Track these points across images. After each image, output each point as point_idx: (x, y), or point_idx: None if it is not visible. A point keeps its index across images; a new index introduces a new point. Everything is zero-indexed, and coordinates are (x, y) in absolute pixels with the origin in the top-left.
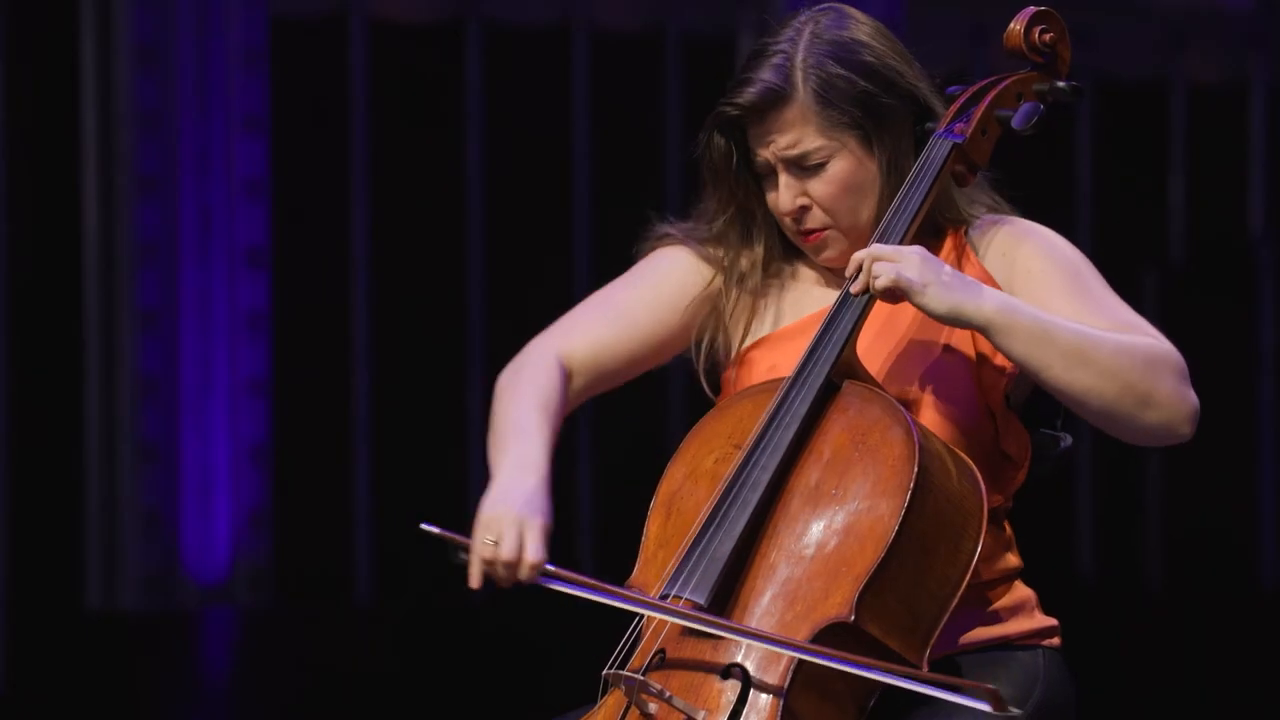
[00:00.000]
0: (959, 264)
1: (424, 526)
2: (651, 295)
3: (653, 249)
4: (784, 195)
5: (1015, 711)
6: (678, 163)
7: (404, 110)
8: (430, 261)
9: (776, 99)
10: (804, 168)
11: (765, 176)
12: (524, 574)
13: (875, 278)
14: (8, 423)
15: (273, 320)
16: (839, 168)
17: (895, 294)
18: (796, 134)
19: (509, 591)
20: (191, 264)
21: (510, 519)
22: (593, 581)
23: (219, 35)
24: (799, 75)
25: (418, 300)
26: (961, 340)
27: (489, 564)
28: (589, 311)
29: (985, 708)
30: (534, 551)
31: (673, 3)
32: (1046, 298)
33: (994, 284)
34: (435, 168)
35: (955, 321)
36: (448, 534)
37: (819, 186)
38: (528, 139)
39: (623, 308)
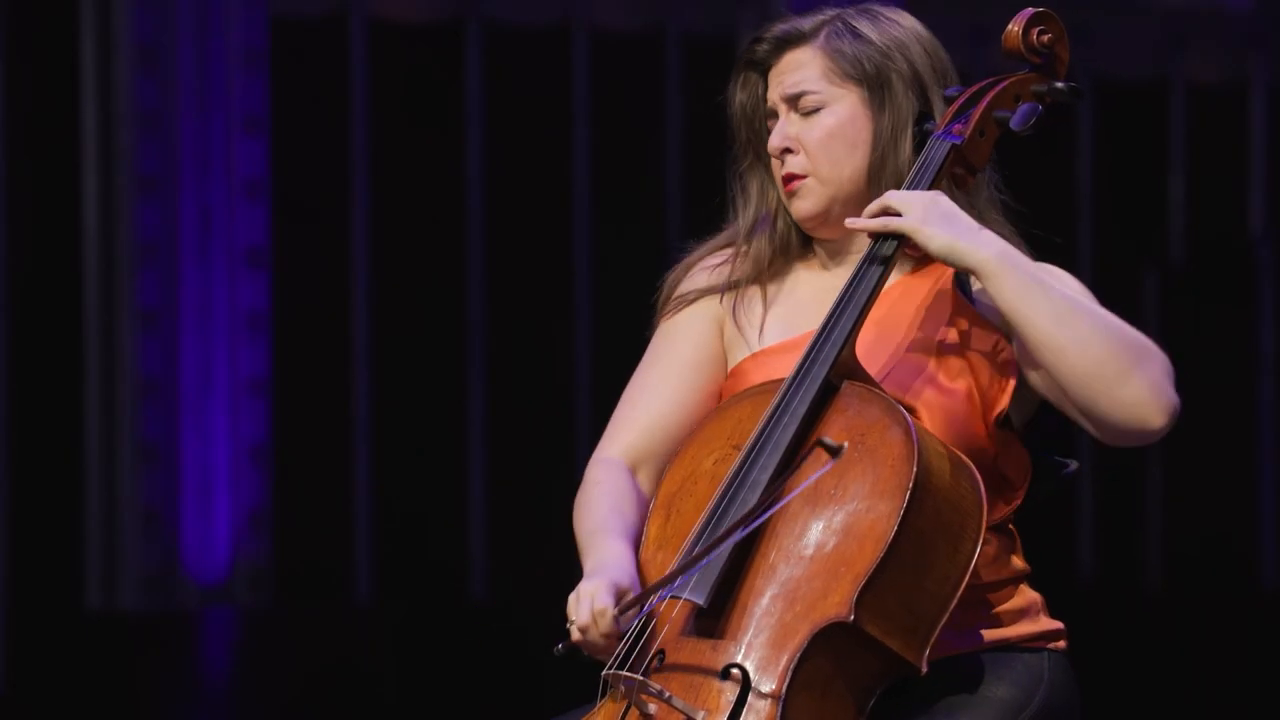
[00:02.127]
0: (954, 281)
1: (556, 650)
2: (678, 364)
3: (664, 302)
4: (776, 133)
5: (842, 444)
6: (678, 163)
7: (404, 110)
8: (430, 261)
9: (794, 38)
10: (801, 111)
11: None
12: (604, 627)
13: (878, 214)
14: (8, 423)
15: (273, 320)
16: (833, 117)
17: (894, 231)
18: (801, 74)
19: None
20: (191, 264)
21: (577, 596)
22: (646, 593)
23: (219, 35)
24: (822, 24)
25: (418, 300)
26: (959, 361)
27: (584, 644)
28: (627, 408)
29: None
30: (599, 601)
31: (673, 3)
32: None
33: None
34: (435, 168)
35: (949, 261)
36: (566, 644)
37: (809, 130)
38: (528, 139)
39: (656, 388)
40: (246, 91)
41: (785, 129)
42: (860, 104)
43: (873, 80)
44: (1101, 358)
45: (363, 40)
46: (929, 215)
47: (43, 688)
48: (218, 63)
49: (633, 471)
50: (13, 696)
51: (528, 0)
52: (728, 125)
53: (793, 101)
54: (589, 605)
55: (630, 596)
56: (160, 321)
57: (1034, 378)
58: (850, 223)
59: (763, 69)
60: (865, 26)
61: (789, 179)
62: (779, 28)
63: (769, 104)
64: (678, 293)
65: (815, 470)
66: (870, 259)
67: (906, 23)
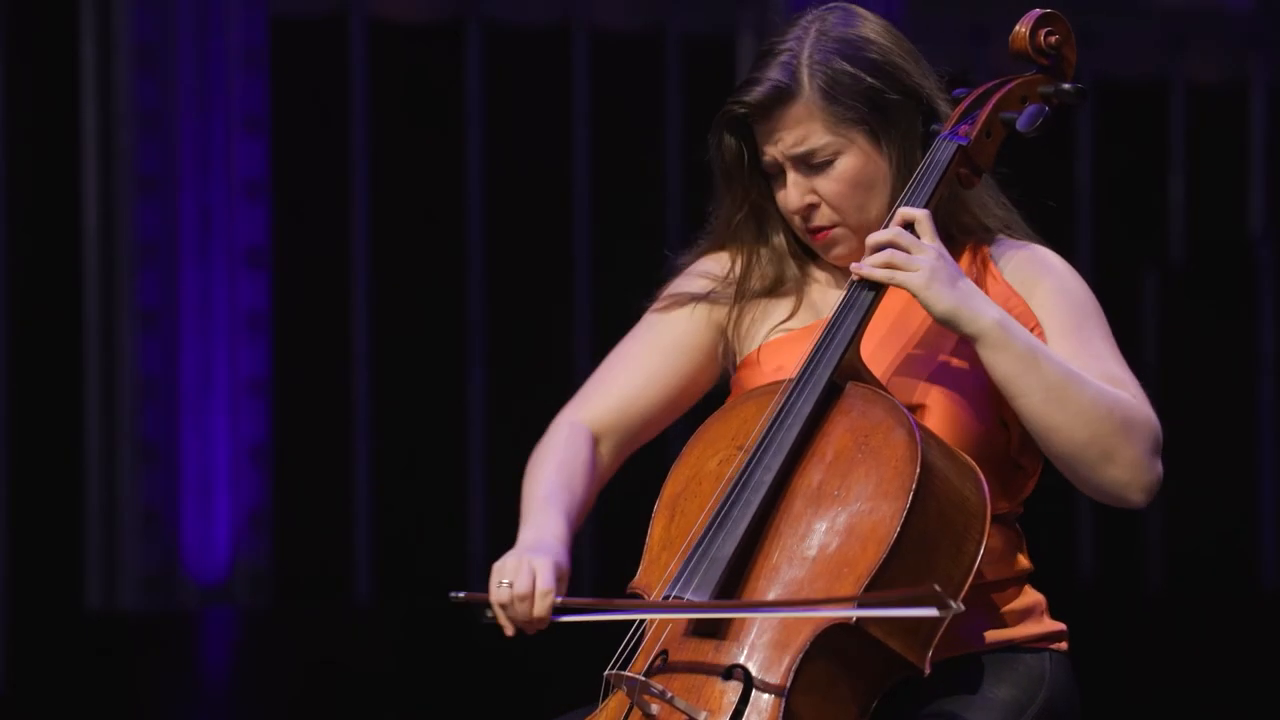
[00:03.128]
0: (981, 276)
1: (452, 596)
2: (666, 342)
3: (666, 288)
4: (792, 193)
5: (958, 607)
6: (678, 163)
7: (404, 110)
8: (430, 261)
9: (783, 96)
10: (811, 165)
11: (774, 175)
12: (538, 607)
13: (887, 264)
14: (8, 423)
15: (273, 320)
16: (846, 164)
17: (902, 286)
18: (803, 131)
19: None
20: (191, 264)
21: (520, 561)
22: (606, 602)
23: (219, 35)
24: (805, 72)
25: (418, 300)
26: (971, 353)
27: (505, 606)
28: (605, 374)
29: (932, 612)
30: (544, 581)
31: (673, 3)
32: (1046, 333)
33: (1018, 298)
34: (435, 168)
35: (950, 324)
36: (472, 596)
37: (826, 184)
38: (528, 139)
39: (639, 362)
40: (246, 91)
41: (800, 186)
42: (867, 142)
43: (873, 117)
44: (1089, 439)
45: (363, 40)
46: (935, 276)
47: (43, 688)
48: (218, 63)
49: (596, 440)
50: (13, 696)
51: (528, 0)
52: (712, 177)
53: (800, 160)
54: (531, 578)
55: (576, 599)
56: (160, 321)
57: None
58: (855, 268)
59: (749, 122)
60: (843, 59)
61: (818, 230)
62: (758, 90)
63: (766, 156)
64: (682, 288)
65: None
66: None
67: (870, 29)
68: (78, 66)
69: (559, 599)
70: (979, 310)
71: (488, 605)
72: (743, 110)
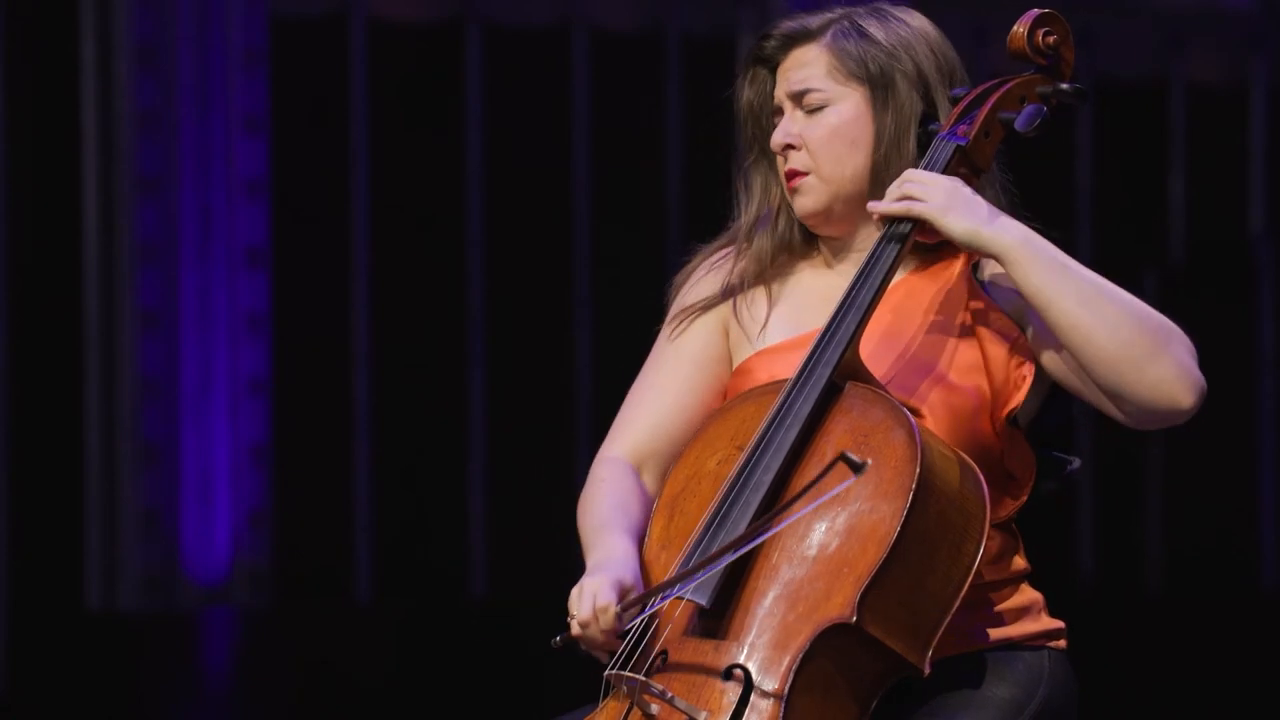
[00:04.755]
0: (970, 281)
1: (553, 644)
2: (684, 364)
3: (670, 306)
4: (779, 130)
5: (865, 461)
6: (678, 163)
7: (404, 110)
8: (430, 261)
9: (802, 35)
10: (805, 106)
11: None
12: (602, 624)
13: (902, 197)
14: (8, 423)
15: (273, 320)
16: (836, 115)
17: (916, 217)
18: (806, 72)
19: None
20: (191, 264)
21: (579, 590)
22: (655, 589)
23: (219, 35)
24: (830, 23)
25: (418, 300)
26: (971, 357)
27: (583, 639)
28: (631, 409)
29: (849, 478)
30: (601, 599)
31: (673, 3)
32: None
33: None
34: (435, 168)
35: (971, 246)
36: (565, 637)
37: (813, 128)
38: (528, 139)
39: (661, 388)
40: (246, 91)
41: (789, 126)
42: (864, 103)
43: (877, 80)
44: (1130, 338)
45: (363, 40)
46: (951, 201)
47: (43, 688)
48: (218, 63)
49: (637, 471)
50: (13, 696)
51: (528, 0)
52: (735, 121)
53: (797, 99)
54: (591, 601)
55: (634, 595)
56: (160, 321)
57: (1054, 365)
58: (872, 206)
59: (771, 66)
60: (873, 26)
61: (791, 175)
62: (787, 25)
63: (775, 101)
64: (685, 302)
65: (837, 484)
66: (879, 252)
67: (915, 23)
68: (78, 66)
69: (618, 608)
70: (1001, 228)
71: (573, 641)
72: (768, 42)
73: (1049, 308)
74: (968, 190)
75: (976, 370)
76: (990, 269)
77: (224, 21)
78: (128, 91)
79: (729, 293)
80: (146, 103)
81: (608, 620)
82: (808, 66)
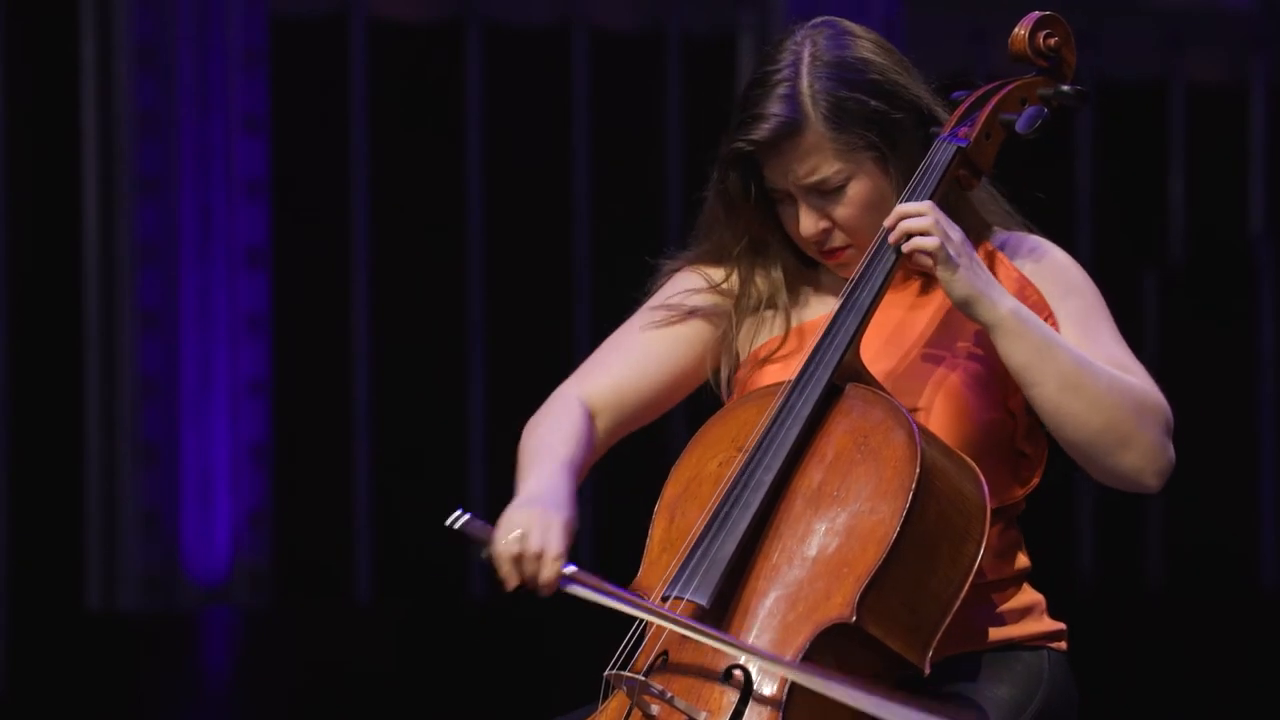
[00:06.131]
0: (993, 269)
1: (451, 522)
2: (669, 330)
3: (665, 281)
4: (806, 221)
5: None
6: (678, 163)
7: (404, 110)
8: (430, 261)
9: (790, 130)
10: (823, 193)
11: (780, 202)
12: (547, 569)
13: (921, 233)
14: (8, 423)
15: (273, 320)
16: (858, 189)
17: (926, 257)
18: (814, 161)
19: (524, 594)
20: (191, 264)
21: (535, 514)
22: (612, 589)
23: (219, 35)
24: (809, 103)
25: (417, 300)
26: (984, 342)
27: (515, 560)
28: (607, 352)
29: None
30: (556, 543)
31: (673, 3)
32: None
33: (1032, 287)
34: (435, 168)
35: (966, 309)
36: (474, 529)
37: (840, 209)
38: (528, 139)
39: (641, 346)
40: (246, 91)
41: (814, 213)
42: (875, 164)
43: (880, 138)
44: (1105, 425)
45: (362, 40)
46: (959, 257)
47: (43, 688)
48: (218, 63)
49: (592, 415)
50: (13, 696)
51: (528, 0)
52: (721, 207)
53: (813, 189)
54: (542, 537)
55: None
56: (160, 321)
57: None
58: (893, 238)
59: (755, 157)
60: (844, 86)
61: (832, 253)
62: (765, 128)
63: (775, 185)
64: (686, 302)
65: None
66: (878, 254)
67: (863, 46)
68: (78, 66)
69: (570, 569)
70: (996, 299)
71: (486, 545)
72: (752, 149)
73: (1030, 388)
74: (970, 246)
75: (981, 358)
76: (1000, 249)
77: (224, 21)
78: (128, 91)
79: (727, 306)
80: (146, 103)
81: (553, 570)
82: (812, 157)
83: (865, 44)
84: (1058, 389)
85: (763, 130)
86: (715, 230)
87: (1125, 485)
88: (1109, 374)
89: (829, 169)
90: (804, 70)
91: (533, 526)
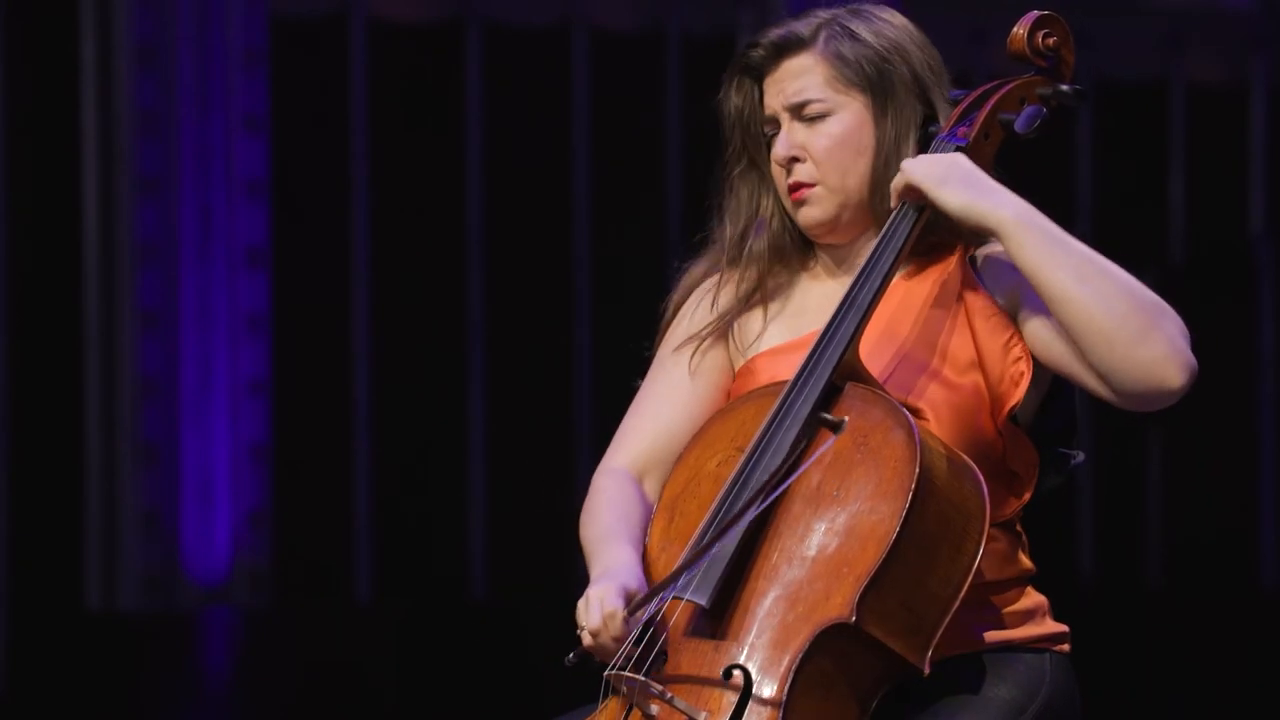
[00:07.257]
0: (968, 278)
1: (566, 662)
2: (684, 377)
3: (673, 317)
4: (781, 142)
5: (843, 419)
6: (678, 163)
7: (404, 110)
8: (430, 262)
9: (793, 44)
10: (805, 117)
11: (773, 136)
12: (615, 630)
13: (905, 181)
14: (8, 423)
15: (273, 320)
16: (839, 123)
17: (914, 191)
18: (804, 81)
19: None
20: (191, 264)
21: (585, 601)
22: (661, 588)
23: (219, 35)
24: (820, 28)
25: (418, 300)
26: (968, 354)
27: (595, 648)
28: (632, 419)
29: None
30: (608, 605)
31: (673, 3)
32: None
33: (994, 308)
34: (435, 168)
35: (968, 219)
36: (578, 652)
37: (816, 138)
38: (528, 139)
39: (664, 396)
40: (246, 91)
41: (791, 137)
42: (865, 110)
43: (876, 86)
44: (1123, 314)
45: (362, 40)
46: (949, 174)
47: (43, 688)
48: (218, 63)
49: (639, 480)
50: (13, 696)
51: (528, 0)
52: (721, 130)
53: (796, 110)
54: (599, 609)
55: (639, 597)
56: (160, 321)
57: (1047, 348)
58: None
59: (758, 74)
60: (862, 29)
61: (796, 187)
62: (775, 33)
63: (767, 111)
64: (685, 332)
65: (820, 446)
66: (878, 253)
67: (898, 22)
68: (78, 66)
69: (624, 613)
70: (996, 202)
71: (589, 653)
72: (756, 51)
73: (1044, 282)
74: (968, 164)
75: (973, 367)
76: (984, 256)
77: (224, 21)
78: (128, 91)
79: (726, 315)
80: (146, 103)
81: (616, 627)
82: (804, 76)
83: (898, 18)
84: (1075, 278)
85: (772, 34)
86: (723, 161)
87: (1151, 386)
88: (1124, 272)
89: (815, 93)
90: (821, 13)
91: (587, 612)
